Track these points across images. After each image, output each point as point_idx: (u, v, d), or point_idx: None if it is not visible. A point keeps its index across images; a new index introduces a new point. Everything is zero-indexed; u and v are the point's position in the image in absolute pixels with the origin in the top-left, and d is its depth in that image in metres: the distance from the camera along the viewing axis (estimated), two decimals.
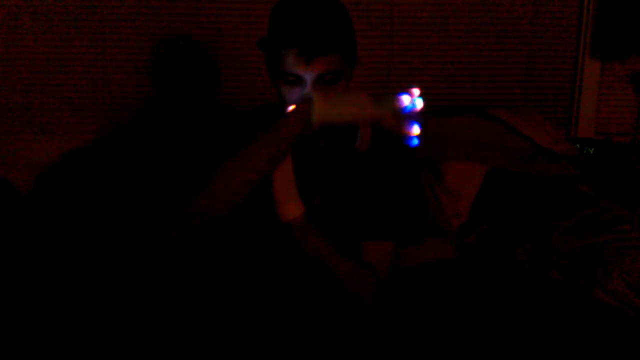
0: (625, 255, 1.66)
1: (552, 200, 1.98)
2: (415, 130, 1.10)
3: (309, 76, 1.19)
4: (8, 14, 2.17)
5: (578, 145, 2.28)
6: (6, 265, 1.62)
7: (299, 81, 1.20)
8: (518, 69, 2.38)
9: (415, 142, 1.11)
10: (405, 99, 1.08)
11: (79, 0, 2.18)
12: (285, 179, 1.15)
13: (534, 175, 2.03)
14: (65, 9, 2.18)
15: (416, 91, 1.09)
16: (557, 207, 1.94)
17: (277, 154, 1.16)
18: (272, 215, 1.27)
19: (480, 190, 2.00)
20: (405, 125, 1.11)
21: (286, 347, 1.26)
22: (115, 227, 1.85)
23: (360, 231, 1.26)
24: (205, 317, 1.32)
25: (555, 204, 1.96)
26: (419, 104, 1.09)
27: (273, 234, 1.31)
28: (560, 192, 2.01)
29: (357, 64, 1.29)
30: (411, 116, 1.10)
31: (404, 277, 1.74)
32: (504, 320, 1.50)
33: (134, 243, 1.75)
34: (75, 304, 1.47)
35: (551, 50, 2.38)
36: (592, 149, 2.29)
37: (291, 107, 1.17)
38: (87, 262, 1.69)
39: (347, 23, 1.24)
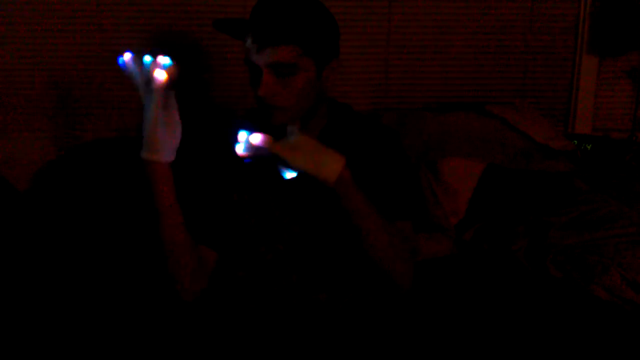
0: (622, 251, 1.67)
1: (550, 196, 1.98)
2: None
3: (260, 65, 1.19)
4: (7, 14, 2.17)
5: (575, 141, 2.29)
6: (4, 263, 1.62)
7: (257, 69, 1.21)
8: (516, 65, 2.38)
9: None
10: None
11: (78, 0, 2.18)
12: (313, 145, 1.12)
13: (532, 171, 2.03)
14: (63, 7, 2.18)
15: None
16: (554, 203, 1.94)
17: (165, 205, 1.19)
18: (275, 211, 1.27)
19: (478, 187, 2.00)
20: None
21: (286, 341, 1.26)
22: (112, 225, 1.85)
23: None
24: (204, 313, 1.33)
25: (553, 200, 1.96)
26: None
27: (274, 229, 1.32)
28: (557, 188, 2.02)
29: (332, 64, 1.27)
30: None
31: None
32: (501, 316, 1.50)
33: (130, 241, 1.75)
34: (73, 302, 1.47)
35: (549, 47, 2.38)
36: (590, 145, 2.29)
37: None
38: (85, 261, 1.69)
39: (315, 17, 1.23)
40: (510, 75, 2.39)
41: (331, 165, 1.12)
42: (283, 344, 1.26)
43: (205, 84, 2.29)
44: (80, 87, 2.24)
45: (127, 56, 1.13)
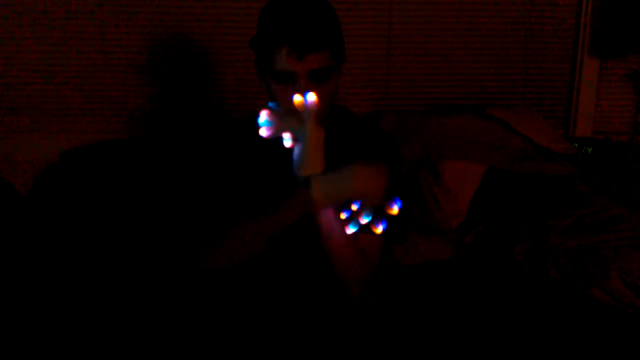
0: (623, 254, 1.67)
1: (551, 200, 1.98)
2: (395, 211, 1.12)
3: (301, 73, 1.20)
4: (8, 14, 2.17)
5: (576, 144, 2.28)
6: (5, 266, 1.62)
7: (291, 79, 1.21)
8: (516, 68, 2.38)
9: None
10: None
11: (79, 0, 2.18)
12: (318, 141, 1.16)
13: (532, 174, 2.03)
14: (65, 8, 2.18)
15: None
16: (555, 206, 1.94)
17: (280, 230, 1.20)
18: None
19: (479, 190, 2.00)
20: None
21: (283, 347, 1.26)
22: (113, 227, 1.85)
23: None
24: (202, 319, 1.32)
25: (554, 203, 1.96)
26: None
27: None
28: (558, 191, 2.02)
29: (344, 62, 1.31)
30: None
31: (403, 275, 1.74)
32: (502, 319, 1.50)
33: (132, 243, 1.75)
34: (73, 305, 1.47)
35: (549, 49, 2.38)
36: (591, 148, 2.29)
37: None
38: (86, 263, 1.69)
39: (335, 20, 1.27)
40: (510, 77, 2.39)
41: (312, 166, 1.16)
42: (282, 350, 1.26)
43: (206, 86, 2.29)
44: (82, 88, 2.25)
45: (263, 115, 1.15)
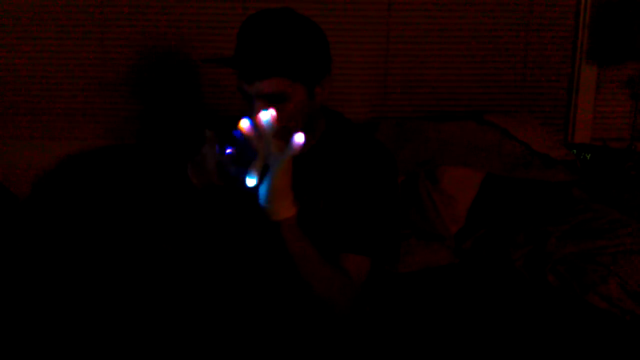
0: (621, 260, 1.67)
1: (549, 206, 1.98)
2: None
3: (253, 95, 1.20)
4: (8, 19, 2.18)
5: (574, 150, 2.29)
6: (3, 269, 1.62)
7: (249, 97, 1.21)
8: (514, 74, 2.39)
9: None
10: None
11: (79, 7, 2.19)
12: (283, 179, 1.12)
13: (531, 180, 2.03)
14: (65, 15, 2.19)
15: None
16: (553, 213, 1.94)
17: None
18: (260, 217, 1.27)
19: (477, 196, 2.00)
20: None
21: (279, 351, 1.26)
22: (112, 231, 1.85)
23: (339, 242, 1.25)
24: (199, 321, 1.32)
25: (552, 209, 1.96)
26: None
27: (262, 238, 1.32)
28: (556, 198, 2.02)
29: (324, 81, 1.27)
30: None
31: (401, 282, 1.74)
32: (500, 325, 1.50)
33: (129, 248, 1.75)
34: (72, 308, 1.47)
35: (548, 56, 2.38)
36: (589, 154, 2.29)
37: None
38: (84, 266, 1.69)
39: (303, 44, 1.22)
40: (508, 84, 2.39)
41: (282, 209, 1.13)
42: (278, 354, 1.26)
43: (197, 87, 2.30)
44: (81, 95, 2.25)
45: (244, 123, 1.10)
